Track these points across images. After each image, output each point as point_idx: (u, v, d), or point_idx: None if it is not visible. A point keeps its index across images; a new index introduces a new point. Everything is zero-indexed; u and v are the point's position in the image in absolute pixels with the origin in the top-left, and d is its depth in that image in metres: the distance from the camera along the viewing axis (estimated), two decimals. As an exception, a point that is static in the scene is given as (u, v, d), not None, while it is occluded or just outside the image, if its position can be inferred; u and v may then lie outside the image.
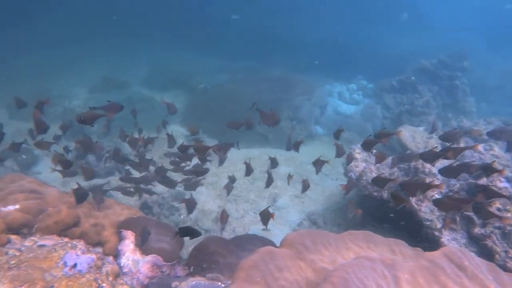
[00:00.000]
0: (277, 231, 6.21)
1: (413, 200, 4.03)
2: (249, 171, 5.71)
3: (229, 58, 18.24)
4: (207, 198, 7.06)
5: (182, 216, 6.41)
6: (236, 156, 8.92)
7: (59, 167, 5.05)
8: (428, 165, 4.37)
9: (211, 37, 22.30)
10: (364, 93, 11.14)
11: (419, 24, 17.67)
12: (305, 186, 5.53)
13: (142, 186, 5.82)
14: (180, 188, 7.38)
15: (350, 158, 5.33)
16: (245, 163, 5.75)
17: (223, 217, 4.32)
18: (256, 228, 6.31)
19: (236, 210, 6.68)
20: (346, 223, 6.06)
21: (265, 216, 4.28)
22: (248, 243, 2.86)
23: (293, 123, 9.83)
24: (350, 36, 16.31)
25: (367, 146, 4.00)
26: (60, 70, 15.05)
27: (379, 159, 4.27)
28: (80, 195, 3.01)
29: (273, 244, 3.12)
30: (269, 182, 5.78)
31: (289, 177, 5.65)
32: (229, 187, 5.58)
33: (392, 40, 15.88)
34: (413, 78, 10.06)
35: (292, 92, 10.15)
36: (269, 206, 4.61)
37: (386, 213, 4.70)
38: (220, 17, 24.16)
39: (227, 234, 5.93)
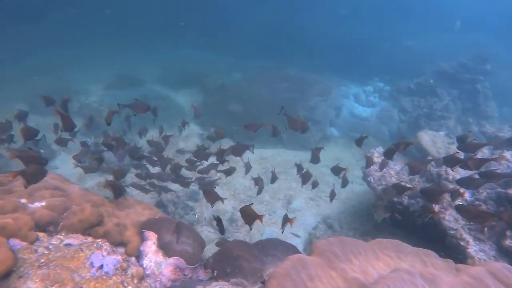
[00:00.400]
0: (291, 234, 6.14)
1: (436, 207, 3.93)
2: (273, 179, 5.76)
3: (243, 57, 18.25)
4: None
5: (196, 216, 6.40)
6: (250, 156, 8.88)
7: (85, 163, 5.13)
8: (451, 172, 4.25)
9: (225, 36, 22.32)
10: (381, 96, 10.97)
11: (437, 25, 17.32)
12: (314, 184, 5.52)
13: (159, 183, 5.85)
14: (194, 187, 7.41)
15: (370, 162, 5.22)
16: (272, 172, 5.75)
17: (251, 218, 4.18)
18: (271, 230, 6.27)
19: (251, 211, 6.64)
20: (362, 228, 5.96)
21: (284, 220, 4.23)
22: (272, 248, 2.82)
23: (308, 124, 9.73)
24: (366, 37, 16.08)
25: (388, 155, 4.02)
26: (76, 67, 15.26)
27: (414, 170, 4.14)
28: (118, 189, 3.10)
29: (296, 249, 3.07)
30: (274, 178, 5.81)
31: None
32: (260, 185, 5.45)
33: (409, 41, 15.60)
34: (431, 81, 9.85)
35: (308, 93, 10.05)
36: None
37: (406, 220, 4.60)
38: (234, 16, 24.17)
39: (242, 236, 5.91)
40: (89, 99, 11.59)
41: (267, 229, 6.26)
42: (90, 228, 2.68)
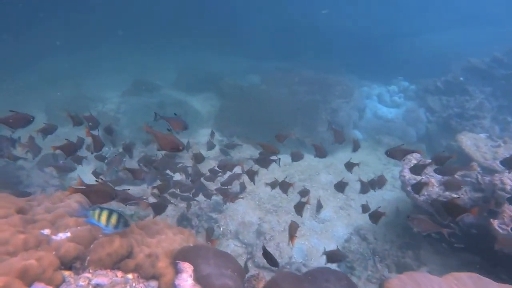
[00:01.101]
0: (324, 247, 5.77)
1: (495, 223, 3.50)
2: (318, 207, 5.55)
3: (257, 59, 17.94)
4: (246, 209, 6.72)
5: (221, 229, 6.10)
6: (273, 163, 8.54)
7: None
8: (509, 181, 3.81)
9: (238, 37, 22.08)
10: (406, 95, 10.47)
11: (461, 18, 16.59)
12: (342, 186, 5.19)
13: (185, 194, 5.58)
14: (217, 197, 7.12)
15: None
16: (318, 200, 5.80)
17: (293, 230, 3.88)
18: (301, 243, 5.91)
19: (278, 223, 6.29)
20: (399, 240, 5.55)
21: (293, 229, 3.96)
22: (323, 279, 2.47)
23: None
24: (387, 33, 15.52)
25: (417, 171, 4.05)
26: (92, 73, 15.27)
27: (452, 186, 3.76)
28: (162, 206, 2.95)
29: (348, 279, 2.72)
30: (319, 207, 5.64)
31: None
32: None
33: (433, 37, 14.97)
34: (461, 78, 9.30)
35: (329, 94, 9.65)
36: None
37: (462, 239, 4.17)
38: (246, 17, 23.92)
39: (271, 250, 5.56)
40: (106, 107, 11.48)
41: (297, 241, 5.91)
42: (119, 262, 2.39)
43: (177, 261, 2.59)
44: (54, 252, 2.18)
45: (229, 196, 5.27)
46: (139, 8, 25.11)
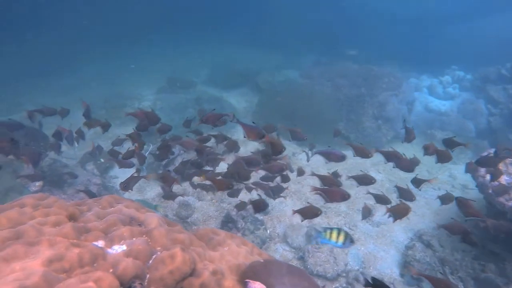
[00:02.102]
0: (382, 254, 5.24)
1: None
2: (366, 213, 4.98)
3: (291, 53, 17.38)
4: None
5: (268, 231, 5.71)
6: (317, 160, 8.04)
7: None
8: None
9: (270, 31, 21.60)
10: (461, 86, 9.54)
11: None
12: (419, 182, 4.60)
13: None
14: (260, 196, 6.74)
15: (497, 175, 4.14)
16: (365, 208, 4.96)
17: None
18: (356, 248, 5.39)
19: (329, 225, 5.81)
20: (474, 249, 4.88)
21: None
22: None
23: (378, 123, 8.67)
24: (436, 18, 14.40)
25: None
26: (128, 72, 15.44)
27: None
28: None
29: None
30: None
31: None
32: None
33: (490, 22, 13.70)
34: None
35: (376, 87, 8.98)
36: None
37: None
38: (278, 10, 23.37)
39: (324, 256, 5.10)
40: (142, 104, 11.43)
41: (352, 248, 5.40)
42: (182, 281, 2.02)
43: (247, 280, 2.19)
44: (111, 270, 1.83)
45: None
46: (168, 6, 25.29)
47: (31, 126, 6.50)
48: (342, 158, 3.80)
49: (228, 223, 5.52)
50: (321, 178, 4.26)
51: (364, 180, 4.42)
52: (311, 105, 9.18)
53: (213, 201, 6.64)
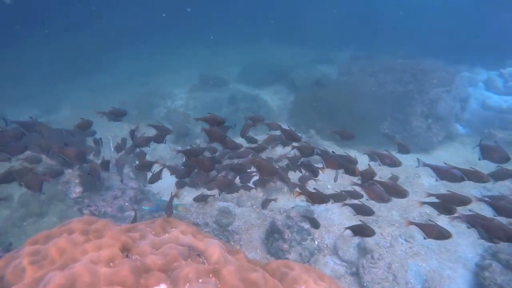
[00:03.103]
0: (449, 272, 4.66)
1: None
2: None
3: (324, 48, 16.72)
4: (341, 218, 5.82)
5: (316, 242, 5.27)
6: (359, 162, 7.48)
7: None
8: None
9: (301, 26, 20.99)
10: (525, 79, 8.60)
11: None
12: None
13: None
14: (303, 202, 6.32)
15: None
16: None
17: None
18: (416, 263, 4.85)
19: (382, 236, 5.28)
20: None
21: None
22: None
23: (428, 122, 7.96)
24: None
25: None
26: (161, 70, 15.41)
27: None
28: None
29: None
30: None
31: None
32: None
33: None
34: None
35: (425, 83, 8.24)
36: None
37: None
38: (310, 4, 22.66)
39: (381, 273, 4.61)
40: (175, 103, 11.25)
41: (411, 262, 4.86)
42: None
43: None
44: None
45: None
46: (197, 4, 25.20)
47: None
48: (459, 178, 3.10)
49: (273, 233, 5.13)
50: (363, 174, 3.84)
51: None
52: (352, 102, 8.60)
53: (254, 207, 6.29)
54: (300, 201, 6.43)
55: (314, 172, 4.21)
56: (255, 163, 3.80)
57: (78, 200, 5.02)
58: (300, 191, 4.02)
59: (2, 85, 13.58)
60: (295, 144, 4.07)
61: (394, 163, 3.91)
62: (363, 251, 4.98)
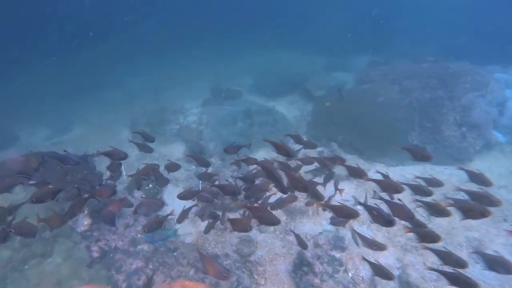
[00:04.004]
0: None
1: None
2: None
3: (337, 54, 16.19)
4: (376, 244, 5.20)
5: (350, 274, 4.68)
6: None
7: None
8: None
9: (311, 34, 20.54)
10: None
11: None
12: None
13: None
14: (330, 226, 5.73)
15: None
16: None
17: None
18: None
19: (422, 268, 4.64)
20: None
21: None
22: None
23: (462, 130, 7.30)
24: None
25: None
26: (168, 85, 15.12)
27: None
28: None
29: None
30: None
31: None
32: None
33: None
34: None
35: (456, 88, 7.62)
36: None
37: None
38: (320, 11, 22.23)
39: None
40: (188, 119, 10.85)
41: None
42: None
43: None
44: None
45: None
46: (205, 14, 25.05)
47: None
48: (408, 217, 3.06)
49: (302, 266, 4.57)
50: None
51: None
52: (375, 112, 8.03)
53: (276, 232, 5.74)
54: (327, 225, 5.86)
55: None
56: (290, 176, 3.41)
57: (86, 234, 4.57)
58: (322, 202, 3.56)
59: (13, 104, 13.52)
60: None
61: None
62: (406, 285, 4.36)
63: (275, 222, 3.26)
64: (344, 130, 8.09)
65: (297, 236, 4.31)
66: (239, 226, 3.40)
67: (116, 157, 3.94)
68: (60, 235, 4.14)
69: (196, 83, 14.66)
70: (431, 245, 3.36)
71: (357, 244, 4.50)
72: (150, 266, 4.40)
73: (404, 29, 16.23)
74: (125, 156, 3.94)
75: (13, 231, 2.84)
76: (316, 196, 3.57)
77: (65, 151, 3.98)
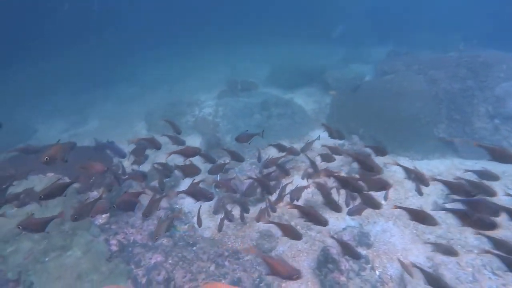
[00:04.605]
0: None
1: None
2: None
3: (353, 45, 15.75)
4: (404, 241, 4.94)
5: (377, 272, 4.43)
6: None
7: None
8: None
9: (326, 26, 20.08)
10: None
11: None
12: None
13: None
14: (352, 221, 5.50)
15: None
16: None
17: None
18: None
19: (459, 267, 4.37)
20: None
21: None
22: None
23: (494, 122, 6.90)
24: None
25: None
26: (182, 78, 15.00)
27: None
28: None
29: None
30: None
31: None
32: None
33: None
34: None
35: (488, 78, 7.20)
36: None
37: None
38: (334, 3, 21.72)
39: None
40: (203, 111, 10.69)
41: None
42: None
43: None
44: None
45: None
46: (219, 7, 24.81)
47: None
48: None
49: (327, 263, 4.35)
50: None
51: None
52: (399, 104, 7.68)
53: (298, 227, 5.54)
54: (351, 220, 5.61)
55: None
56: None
57: (105, 227, 4.47)
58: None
59: (29, 97, 13.66)
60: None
61: None
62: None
63: (322, 222, 3.10)
64: (366, 123, 7.78)
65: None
66: (290, 233, 3.15)
67: (190, 154, 3.86)
68: (79, 228, 4.04)
69: (210, 76, 14.49)
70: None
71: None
72: (170, 261, 4.27)
73: (424, 19, 15.66)
74: (199, 152, 3.87)
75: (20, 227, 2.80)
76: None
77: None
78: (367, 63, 13.22)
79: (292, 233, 3.16)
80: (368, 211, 5.82)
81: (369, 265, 4.50)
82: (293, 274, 2.68)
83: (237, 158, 4.33)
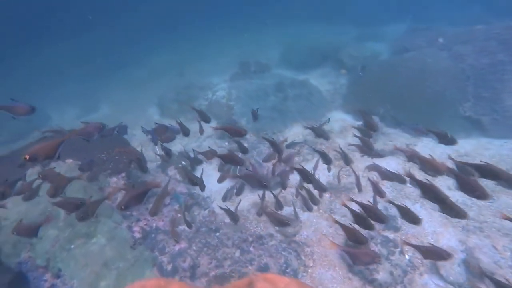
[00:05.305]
0: None
1: None
2: None
3: (366, 24, 15.17)
4: (433, 224, 4.75)
5: (407, 256, 4.28)
6: (436, 151, 6.29)
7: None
8: None
9: (339, 4, 19.42)
10: None
11: None
12: None
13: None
14: (380, 202, 5.32)
15: None
16: None
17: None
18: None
19: (496, 252, 4.17)
20: None
21: None
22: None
23: (526, 100, 6.54)
24: None
25: None
26: (194, 61, 14.72)
27: None
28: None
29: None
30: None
31: None
32: None
33: None
34: None
35: (520, 52, 6.80)
36: None
37: None
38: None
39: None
40: (217, 94, 10.46)
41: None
42: None
43: None
44: None
45: None
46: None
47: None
48: None
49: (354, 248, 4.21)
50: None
51: None
52: (422, 82, 7.34)
53: (321, 211, 5.39)
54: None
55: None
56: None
57: (126, 214, 4.38)
58: None
59: (42, 84, 13.60)
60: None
61: None
62: (478, 271, 3.93)
63: (384, 220, 3.01)
64: (386, 102, 7.48)
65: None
66: (363, 258, 2.90)
67: (237, 134, 3.64)
68: (101, 215, 3.95)
69: (221, 59, 14.18)
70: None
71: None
72: (194, 248, 4.18)
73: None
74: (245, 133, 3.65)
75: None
76: None
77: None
78: (382, 41, 12.72)
79: (356, 237, 2.98)
80: (393, 194, 5.65)
81: (398, 249, 4.36)
82: (375, 257, 2.81)
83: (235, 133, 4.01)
